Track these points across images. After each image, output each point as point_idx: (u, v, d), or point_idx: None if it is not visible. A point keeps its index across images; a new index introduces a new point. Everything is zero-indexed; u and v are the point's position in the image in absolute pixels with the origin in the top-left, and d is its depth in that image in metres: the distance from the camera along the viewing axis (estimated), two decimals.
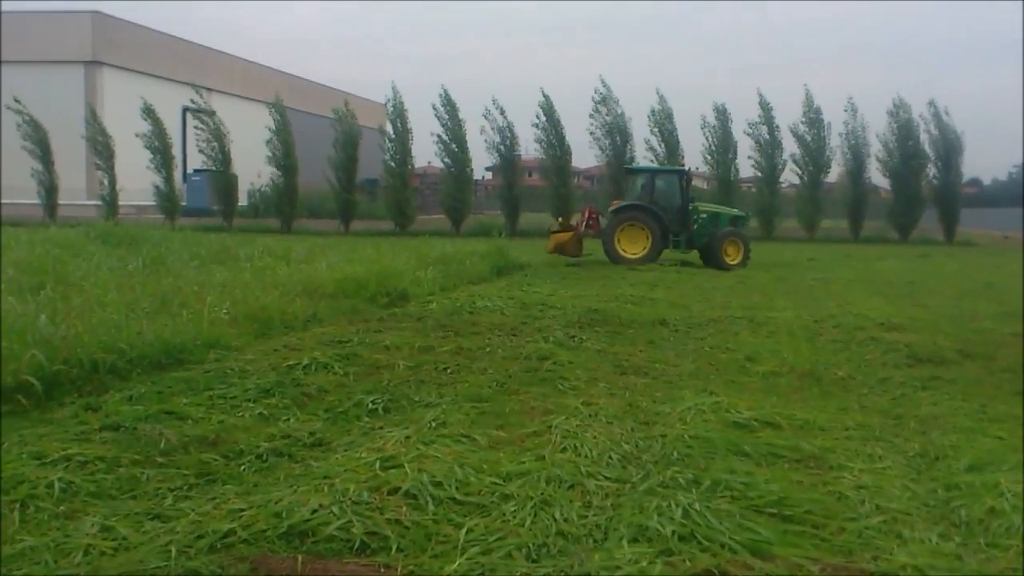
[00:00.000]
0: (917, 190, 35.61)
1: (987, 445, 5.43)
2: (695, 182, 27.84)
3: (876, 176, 36.94)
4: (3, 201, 36.79)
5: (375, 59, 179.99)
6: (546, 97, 36.11)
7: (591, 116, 36.09)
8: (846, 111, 35.97)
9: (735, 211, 22.32)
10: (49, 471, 4.52)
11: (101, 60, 44.99)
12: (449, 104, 36.41)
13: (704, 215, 21.74)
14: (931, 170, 35.86)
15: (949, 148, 35.46)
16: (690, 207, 21.70)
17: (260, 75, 55.47)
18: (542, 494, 4.34)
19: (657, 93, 36.05)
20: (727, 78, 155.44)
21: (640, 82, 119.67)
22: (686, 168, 24.52)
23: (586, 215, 22.24)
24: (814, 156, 35.71)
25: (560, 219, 25.50)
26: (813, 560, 3.73)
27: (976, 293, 15.02)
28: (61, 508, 4.14)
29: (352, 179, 37.14)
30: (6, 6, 45.75)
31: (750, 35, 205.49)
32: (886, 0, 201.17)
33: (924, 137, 35.56)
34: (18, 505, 4.12)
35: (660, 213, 21.35)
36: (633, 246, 21.21)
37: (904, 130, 35.41)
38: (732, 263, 20.60)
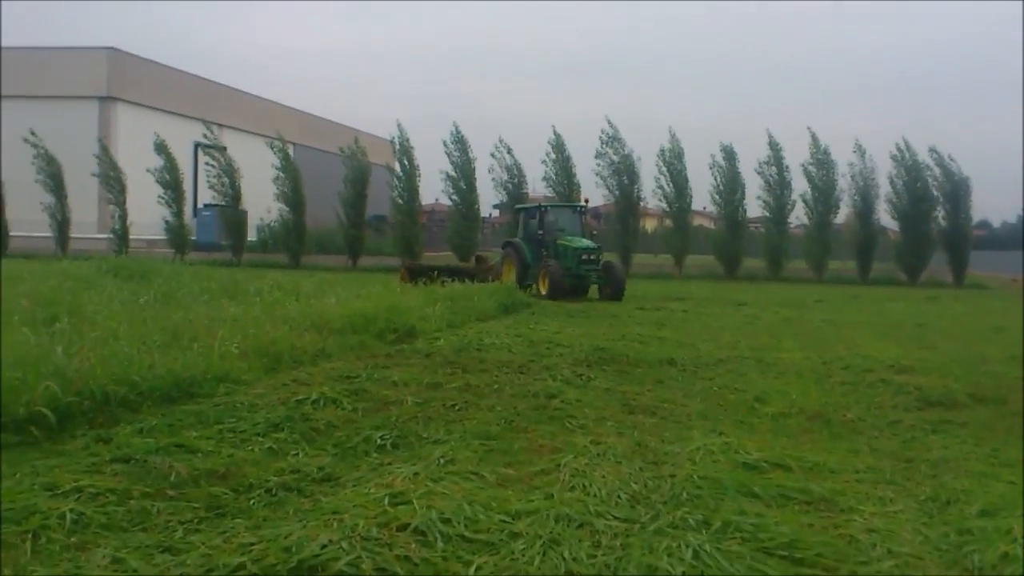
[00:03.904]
0: (926, 232, 35.62)
1: (999, 490, 5.39)
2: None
3: (885, 218, 37.05)
4: (14, 233, 37.12)
5: (383, 97, 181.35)
6: (557, 135, 36.43)
7: (596, 157, 36.35)
8: (855, 152, 36.13)
9: (583, 243, 22.41)
10: (61, 502, 4.53)
11: (116, 96, 45.50)
12: (459, 141, 36.76)
13: (561, 247, 22.36)
14: (940, 212, 35.90)
15: (956, 191, 35.52)
16: (552, 241, 22.54)
17: (271, 111, 55.93)
18: (551, 533, 4.33)
19: (669, 131, 36.32)
20: (733, 119, 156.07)
21: (649, 121, 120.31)
22: (543, 205, 25.21)
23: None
24: (823, 196, 35.79)
25: (477, 254, 29.11)
26: None
27: (986, 336, 14.97)
28: (72, 539, 4.15)
29: (361, 215, 37.38)
30: (24, 41, 46.33)
31: (755, 75, 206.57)
32: (890, 42, 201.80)
33: (931, 181, 35.63)
34: (30, 536, 4.13)
35: (524, 247, 22.91)
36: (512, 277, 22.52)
37: (911, 172, 35.53)
38: (542, 293, 21.40)
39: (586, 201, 27.17)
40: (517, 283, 21.76)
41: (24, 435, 5.86)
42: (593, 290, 22.51)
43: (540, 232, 22.82)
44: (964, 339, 14.44)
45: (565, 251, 22.26)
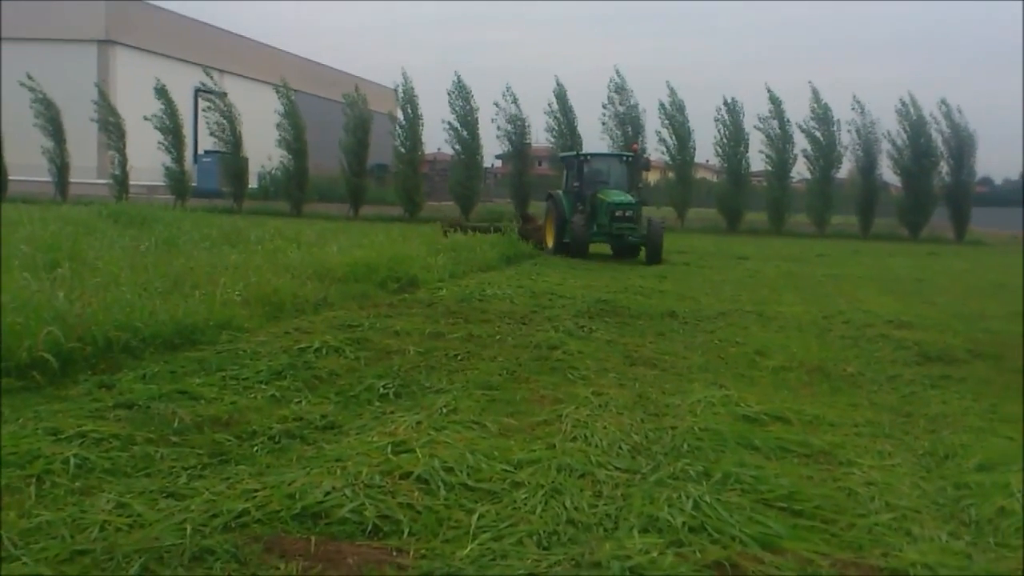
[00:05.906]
0: (928, 188, 35.41)
1: (997, 445, 5.44)
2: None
3: (887, 173, 36.81)
4: (13, 178, 36.87)
5: (387, 46, 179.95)
6: (560, 85, 36.03)
7: (604, 106, 35.97)
8: (854, 109, 35.76)
9: (619, 198, 19.51)
10: (64, 447, 4.56)
11: (114, 39, 44.91)
12: (462, 90, 36.35)
13: (598, 201, 19.70)
14: (943, 168, 35.67)
15: (961, 147, 35.24)
16: (591, 194, 19.98)
17: (272, 58, 55.22)
18: (553, 482, 4.37)
19: (668, 86, 35.92)
20: (735, 72, 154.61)
21: (652, 77, 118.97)
22: (583, 153, 22.41)
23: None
24: (824, 151, 35.54)
25: (523, 212, 27.68)
26: (823, 555, 3.76)
27: (985, 292, 14.98)
28: (77, 484, 4.18)
29: (362, 164, 37.02)
30: None
31: (756, 29, 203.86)
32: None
33: (936, 135, 35.36)
34: (34, 480, 4.16)
35: (563, 200, 20.31)
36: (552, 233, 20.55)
37: (915, 128, 35.22)
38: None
39: (634, 150, 24.11)
40: (555, 241, 19.94)
41: (27, 380, 5.87)
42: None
43: (576, 184, 20.45)
44: (964, 295, 14.46)
45: (600, 205, 19.57)
